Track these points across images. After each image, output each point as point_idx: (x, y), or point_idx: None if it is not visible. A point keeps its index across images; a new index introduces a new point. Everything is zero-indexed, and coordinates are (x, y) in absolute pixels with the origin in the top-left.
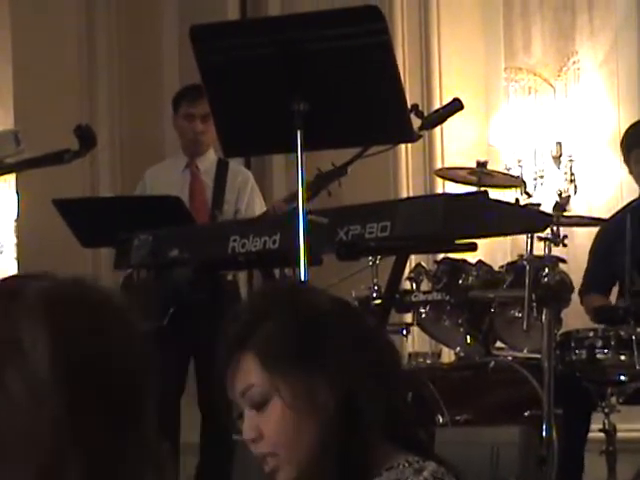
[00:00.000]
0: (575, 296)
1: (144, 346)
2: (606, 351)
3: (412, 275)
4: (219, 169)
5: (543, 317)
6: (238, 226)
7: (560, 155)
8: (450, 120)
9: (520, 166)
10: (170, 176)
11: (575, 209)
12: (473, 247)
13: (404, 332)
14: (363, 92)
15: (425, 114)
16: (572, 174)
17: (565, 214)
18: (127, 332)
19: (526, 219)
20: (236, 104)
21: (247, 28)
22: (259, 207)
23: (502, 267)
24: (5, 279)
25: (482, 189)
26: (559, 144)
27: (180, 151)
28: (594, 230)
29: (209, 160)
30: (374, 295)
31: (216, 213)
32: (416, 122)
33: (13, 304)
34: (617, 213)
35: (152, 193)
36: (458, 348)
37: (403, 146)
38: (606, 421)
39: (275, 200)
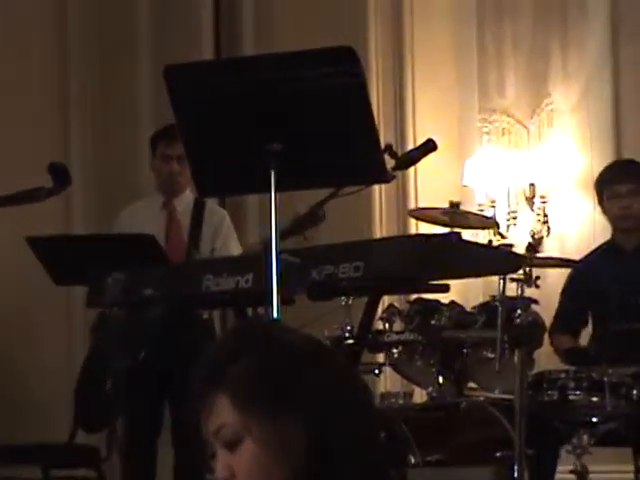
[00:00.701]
0: (547, 337)
1: None
2: (578, 392)
3: (384, 315)
4: (196, 209)
5: (515, 358)
6: (212, 265)
7: (533, 196)
8: (424, 160)
9: (493, 207)
10: (146, 216)
11: (548, 250)
12: (445, 288)
13: (376, 372)
14: (337, 132)
15: (399, 154)
16: (545, 215)
17: (538, 255)
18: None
19: (499, 260)
20: (210, 144)
21: (221, 68)
22: (235, 246)
23: (474, 308)
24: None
25: (455, 230)
26: (532, 185)
27: (156, 191)
28: (566, 271)
29: (186, 200)
30: (346, 335)
31: (193, 252)
32: (390, 162)
33: None
34: (589, 255)
35: (128, 232)
36: (430, 388)
37: (377, 186)
38: (577, 462)
39: (250, 242)
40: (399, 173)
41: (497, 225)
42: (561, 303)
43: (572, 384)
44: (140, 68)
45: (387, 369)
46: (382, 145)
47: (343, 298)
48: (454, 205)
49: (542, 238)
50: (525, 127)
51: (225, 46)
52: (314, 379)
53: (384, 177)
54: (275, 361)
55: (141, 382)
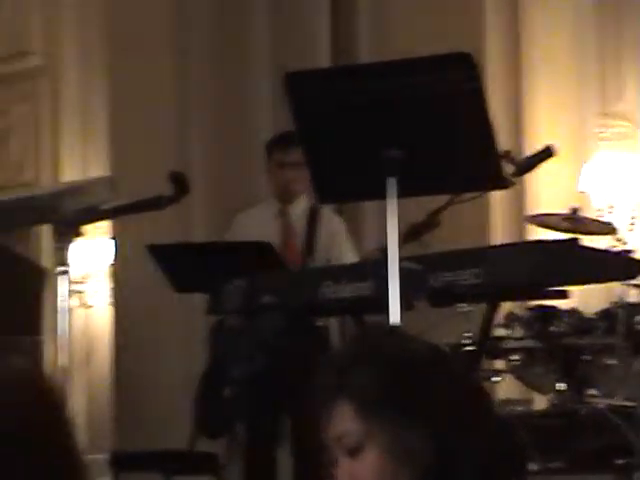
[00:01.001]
0: None
1: None
2: None
3: (504, 322)
4: (311, 216)
5: (637, 364)
6: (330, 272)
7: None
8: (542, 166)
9: (610, 212)
10: (261, 222)
11: None
12: (565, 295)
13: (495, 379)
14: (456, 139)
15: (516, 160)
16: None
17: None
18: None
19: (618, 266)
20: (329, 151)
21: (340, 75)
22: (351, 255)
23: (595, 314)
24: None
25: (574, 236)
26: None
27: (271, 197)
28: None
29: (301, 207)
30: (466, 342)
31: (308, 260)
32: (508, 168)
33: None
34: None
35: (242, 238)
36: (550, 395)
37: (494, 193)
38: None
39: (368, 250)
40: (517, 179)
41: (616, 231)
42: None
43: None
44: (259, 75)
45: (506, 376)
46: (500, 151)
47: (462, 305)
48: (575, 211)
49: None
50: None
51: (341, 51)
52: (436, 384)
53: (504, 183)
54: (398, 367)
55: (260, 389)
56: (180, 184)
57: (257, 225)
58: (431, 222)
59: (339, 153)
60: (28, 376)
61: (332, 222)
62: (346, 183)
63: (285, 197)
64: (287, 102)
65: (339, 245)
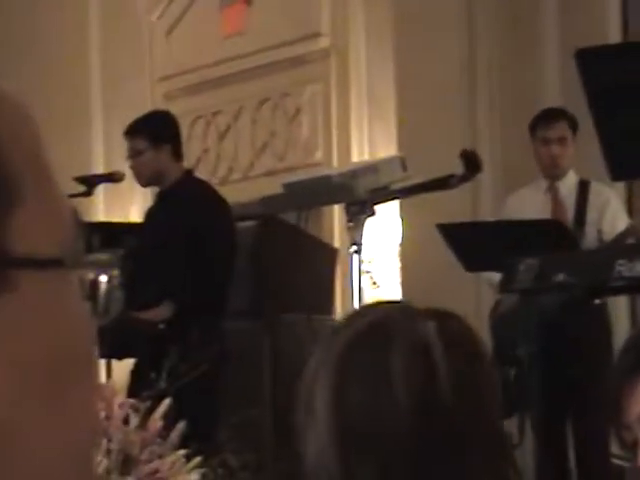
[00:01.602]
0: None
1: None
2: None
3: None
4: (580, 191)
5: None
6: (625, 250)
7: None
8: None
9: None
10: (532, 201)
11: None
12: None
13: None
14: None
15: None
16: None
17: None
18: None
19: None
20: (623, 126)
21: (635, 51)
22: (622, 223)
23: None
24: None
25: None
26: None
27: (540, 175)
28: None
29: (570, 182)
30: None
31: (578, 234)
32: None
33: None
34: None
35: (514, 217)
36: None
37: None
38: None
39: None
40: None
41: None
42: None
43: None
44: (547, 52)
45: None
46: None
47: None
48: None
49: None
50: None
51: (633, 29)
52: None
53: None
54: None
55: (545, 367)
56: (472, 162)
57: (527, 204)
58: None
59: (635, 130)
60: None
61: (602, 194)
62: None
63: (552, 173)
64: (579, 79)
65: (610, 216)
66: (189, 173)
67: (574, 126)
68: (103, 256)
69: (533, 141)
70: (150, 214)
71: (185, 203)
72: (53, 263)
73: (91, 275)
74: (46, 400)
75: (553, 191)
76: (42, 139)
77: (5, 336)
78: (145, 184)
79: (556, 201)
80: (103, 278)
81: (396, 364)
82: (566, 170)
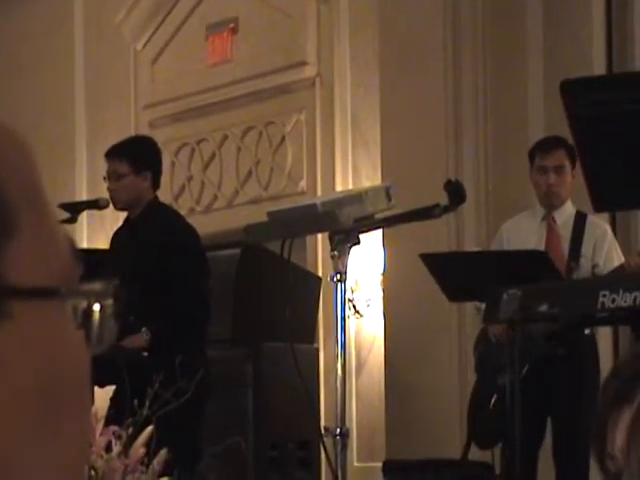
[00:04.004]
0: None
1: None
2: None
3: None
4: (577, 222)
5: None
6: (607, 281)
7: None
8: None
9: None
10: (526, 229)
11: None
12: None
13: None
14: None
15: None
16: None
17: None
18: None
19: None
20: (607, 158)
21: (619, 83)
22: (617, 261)
23: None
24: None
25: None
26: None
27: (537, 204)
28: None
29: (566, 213)
30: None
31: (572, 266)
32: None
33: None
34: None
35: (508, 246)
36: None
37: None
38: None
39: (633, 254)
40: None
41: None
42: None
43: None
44: (531, 83)
45: None
46: None
47: None
48: None
49: None
50: None
51: (617, 60)
52: None
53: None
54: None
55: (524, 397)
56: (456, 193)
57: (522, 232)
58: None
59: (618, 160)
60: None
61: (598, 228)
62: (624, 190)
63: (549, 202)
64: (564, 109)
65: (605, 251)
66: (155, 199)
67: (573, 155)
68: (97, 285)
69: (531, 169)
70: (120, 242)
71: (156, 232)
72: (48, 293)
73: (84, 304)
74: (39, 430)
75: (549, 220)
76: (38, 169)
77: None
78: (121, 208)
79: (552, 231)
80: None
81: None
82: (564, 200)
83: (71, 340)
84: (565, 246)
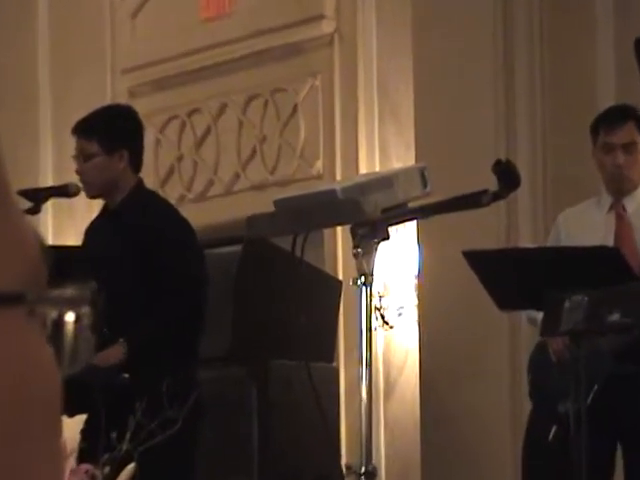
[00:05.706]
0: None
1: None
2: None
3: None
4: None
5: None
6: None
7: None
8: None
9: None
10: (590, 219)
11: None
12: None
13: None
14: None
15: None
16: None
17: None
18: None
19: None
20: None
21: None
22: None
23: None
24: None
25: None
26: None
27: (604, 190)
28: None
29: (638, 199)
30: None
31: None
32: None
33: None
34: None
35: (568, 240)
36: None
37: None
38: None
39: None
40: None
41: None
42: None
43: None
44: (599, 53)
45: None
46: None
47: None
48: None
49: None
50: None
51: None
52: None
53: None
54: None
55: (592, 425)
56: (508, 176)
57: (585, 224)
58: None
59: None
60: None
61: None
62: None
63: (617, 187)
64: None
65: None
66: (140, 184)
67: None
68: (70, 290)
69: (594, 147)
70: (97, 237)
71: (142, 225)
72: (10, 299)
73: (55, 313)
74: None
75: (618, 209)
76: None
77: None
78: (94, 195)
79: (622, 222)
80: (70, 317)
81: None
82: (636, 184)
83: (38, 356)
84: (638, 239)
